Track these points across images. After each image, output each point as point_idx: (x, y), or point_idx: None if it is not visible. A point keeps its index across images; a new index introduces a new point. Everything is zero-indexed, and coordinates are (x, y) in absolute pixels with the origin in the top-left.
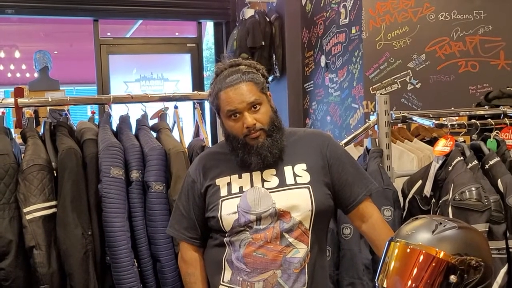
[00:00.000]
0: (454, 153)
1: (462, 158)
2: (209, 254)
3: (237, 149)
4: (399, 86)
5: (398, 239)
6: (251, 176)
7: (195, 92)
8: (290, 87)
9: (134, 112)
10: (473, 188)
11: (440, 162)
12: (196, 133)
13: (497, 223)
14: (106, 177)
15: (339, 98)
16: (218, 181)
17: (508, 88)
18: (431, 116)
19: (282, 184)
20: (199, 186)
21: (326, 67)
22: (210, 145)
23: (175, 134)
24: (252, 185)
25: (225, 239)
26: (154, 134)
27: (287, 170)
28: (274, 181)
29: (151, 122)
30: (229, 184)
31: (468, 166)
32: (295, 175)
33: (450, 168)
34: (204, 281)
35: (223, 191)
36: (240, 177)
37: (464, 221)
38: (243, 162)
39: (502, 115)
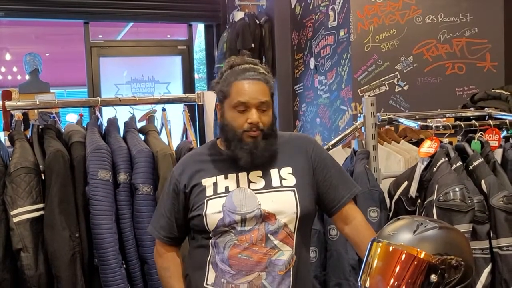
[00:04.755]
0: (439, 155)
1: (446, 159)
2: (193, 255)
3: (231, 142)
4: (387, 88)
5: (380, 239)
6: (237, 176)
7: (183, 94)
8: (280, 89)
9: (124, 114)
10: (457, 189)
11: (425, 163)
12: (185, 135)
13: (481, 223)
14: (93, 180)
15: (328, 100)
16: (204, 181)
17: (493, 90)
18: (417, 117)
19: (268, 186)
20: (183, 187)
21: (315, 69)
22: (199, 144)
23: (163, 136)
24: (238, 186)
25: (210, 241)
26: (142, 137)
27: (273, 172)
28: (260, 183)
29: (139, 125)
30: (215, 184)
31: (453, 167)
32: (281, 178)
33: (435, 169)
34: (179, 275)
35: (209, 191)
36: (226, 177)
37: (448, 221)
38: (232, 157)
39: (487, 116)
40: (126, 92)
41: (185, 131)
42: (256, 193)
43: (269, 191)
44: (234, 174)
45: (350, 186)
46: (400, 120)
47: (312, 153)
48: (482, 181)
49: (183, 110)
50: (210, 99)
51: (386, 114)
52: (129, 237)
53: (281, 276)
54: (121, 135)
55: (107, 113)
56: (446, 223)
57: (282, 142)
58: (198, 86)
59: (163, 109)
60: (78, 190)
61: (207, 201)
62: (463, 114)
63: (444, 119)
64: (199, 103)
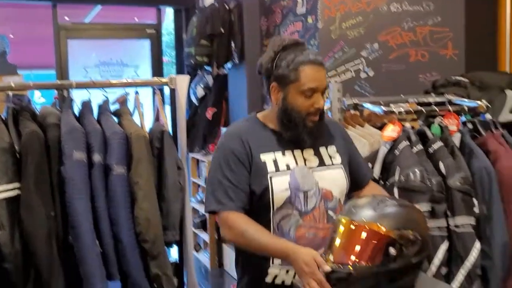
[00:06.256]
0: (401, 138)
1: (408, 142)
2: None
3: (296, 125)
4: (353, 75)
5: (343, 216)
6: (293, 154)
7: (156, 78)
8: (248, 74)
9: (95, 97)
10: (417, 171)
11: (388, 146)
12: (156, 118)
13: (439, 203)
14: (69, 160)
15: None
16: (263, 156)
17: (453, 77)
18: (381, 103)
19: (322, 163)
20: (247, 157)
21: None
22: (170, 129)
23: (136, 119)
24: (296, 163)
25: (271, 223)
26: (116, 119)
27: (323, 150)
28: (314, 161)
29: (112, 108)
30: (275, 161)
31: (414, 150)
32: (330, 156)
33: (397, 152)
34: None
35: (270, 167)
36: (283, 154)
37: (409, 201)
38: (295, 139)
39: (446, 102)
40: (95, 75)
41: (157, 113)
42: (313, 171)
43: (324, 168)
44: (290, 151)
45: (368, 168)
46: (365, 105)
47: (345, 135)
48: (441, 163)
49: (155, 93)
50: (182, 83)
51: (352, 100)
52: (103, 217)
53: None
54: (95, 117)
55: (77, 95)
56: (404, 201)
57: None
58: (166, 69)
59: (136, 92)
60: (54, 170)
61: (270, 178)
62: (425, 100)
63: (407, 104)
64: (172, 86)
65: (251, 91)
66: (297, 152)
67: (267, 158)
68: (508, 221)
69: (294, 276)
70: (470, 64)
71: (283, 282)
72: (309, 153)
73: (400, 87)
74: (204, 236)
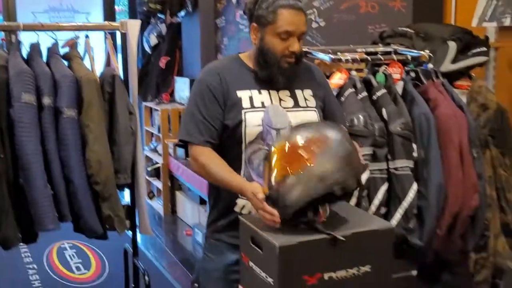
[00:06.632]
0: (347, 85)
1: (353, 89)
2: None
3: (270, 66)
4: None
5: (279, 141)
6: (269, 93)
7: (107, 22)
8: (202, 22)
9: (44, 42)
10: (360, 116)
11: (335, 93)
12: (107, 63)
13: (380, 147)
14: (18, 103)
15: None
16: (239, 93)
17: (400, 28)
18: (330, 52)
19: (296, 105)
20: (223, 93)
21: (237, 4)
22: (121, 74)
23: (86, 63)
24: (272, 102)
25: (242, 156)
26: (66, 63)
27: (298, 93)
28: (289, 102)
29: (62, 52)
30: (250, 97)
31: (358, 97)
32: (305, 99)
33: (343, 98)
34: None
35: (245, 103)
36: (260, 92)
37: None
38: (269, 78)
39: (392, 52)
40: (44, 21)
41: (108, 58)
42: (287, 111)
43: (297, 110)
44: (266, 90)
45: (343, 112)
46: (314, 53)
47: (323, 80)
48: (383, 110)
49: (106, 38)
50: (133, 28)
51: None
52: (54, 159)
53: None
54: (44, 60)
55: (25, 39)
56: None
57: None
58: (118, 18)
59: (86, 36)
60: (2, 113)
61: (245, 113)
62: (372, 50)
63: (356, 54)
64: (123, 31)
65: (204, 40)
66: (273, 92)
67: (243, 94)
68: (444, 164)
69: None
70: (417, 17)
71: (249, 212)
72: (284, 94)
73: (351, 37)
74: (158, 184)
